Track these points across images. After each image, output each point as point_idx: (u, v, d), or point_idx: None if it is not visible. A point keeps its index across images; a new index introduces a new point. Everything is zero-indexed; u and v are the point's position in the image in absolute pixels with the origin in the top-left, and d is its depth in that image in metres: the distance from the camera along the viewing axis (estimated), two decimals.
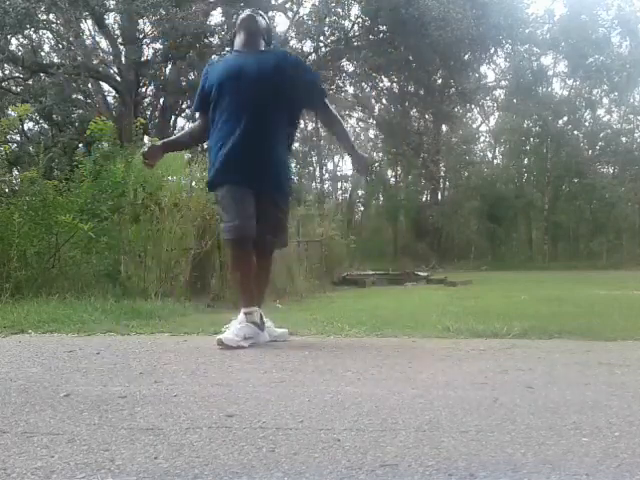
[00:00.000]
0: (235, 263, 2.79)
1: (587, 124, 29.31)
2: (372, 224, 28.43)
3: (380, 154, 29.58)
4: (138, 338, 2.99)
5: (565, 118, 27.94)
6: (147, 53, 15.15)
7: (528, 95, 23.75)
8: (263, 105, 2.70)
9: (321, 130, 30.57)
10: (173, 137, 3.21)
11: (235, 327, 2.65)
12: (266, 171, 2.72)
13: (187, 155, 7.32)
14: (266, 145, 2.72)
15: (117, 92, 15.62)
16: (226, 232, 2.70)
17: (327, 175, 32.00)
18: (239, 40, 2.89)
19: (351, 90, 19.17)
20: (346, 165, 30.49)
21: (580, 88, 27.92)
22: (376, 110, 21.44)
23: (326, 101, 2.92)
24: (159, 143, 3.04)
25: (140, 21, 14.24)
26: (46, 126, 17.91)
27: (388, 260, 21.32)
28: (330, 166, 32.22)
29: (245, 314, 2.68)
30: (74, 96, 15.99)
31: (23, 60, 15.10)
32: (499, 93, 28.35)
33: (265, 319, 2.82)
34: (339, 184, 32.01)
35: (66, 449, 1.24)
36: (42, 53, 18.24)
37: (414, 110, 20.67)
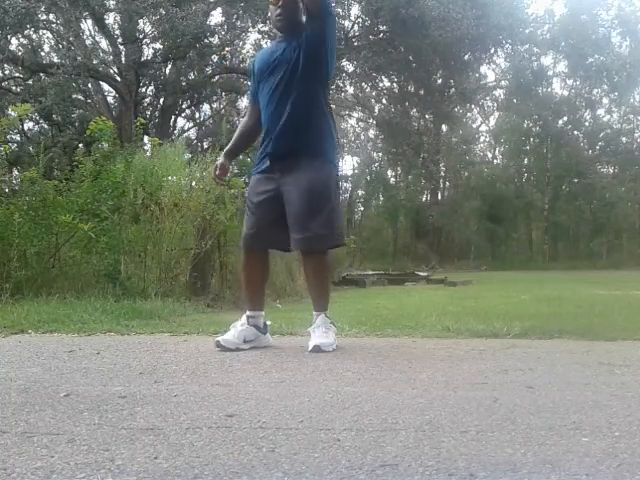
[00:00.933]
0: (242, 267, 2.81)
1: (587, 124, 29.35)
2: (372, 224, 28.45)
3: (380, 154, 29.62)
4: (138, 338, 2.99)
5: (565, 118, 27.98)
6: (147, 53, 15.16)
7: (528, 95, 23.76)
8: (291, 86, 2.57)
9: None
10: (230, 145, 2.92)
11: (236, 329, 2.62)
12: (296, 151, 2.57)
13: (187, 155, 7.33)
14: (298, 125, 2.57)
15: (117, 92, 15.61)
16: (242, 237, 2.74)
17: None
18: None
19: (351, 90, 19.14)
20: (346, 165, 30.50)
21: (580, 88, 27.96)
22: (376, 110, 21.42)
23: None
24: (222, 157, 2.86)
25: (140, 21, 14.23)
26: (46, 126, 17.90)
27: (388, 260, 21.35)
28: None
29: (248, 317, 2.66)
30: (74, 96, 15.97)
31: (23, 60, 15.08)
32: (499, 93, 28.41)
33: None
34: (339, 184, 31.96)
35: (66, 449, 1.24)
36: (42, 53, 18.25)
37: (414, 110, 20.65)
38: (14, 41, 16.37)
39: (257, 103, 2.75)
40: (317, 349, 2.48)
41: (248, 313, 2.68)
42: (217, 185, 4.84)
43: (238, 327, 2.63)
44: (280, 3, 2.59)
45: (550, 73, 26.80)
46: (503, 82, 25.96)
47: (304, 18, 2.63)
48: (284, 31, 2.67)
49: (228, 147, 2.92)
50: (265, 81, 2.65)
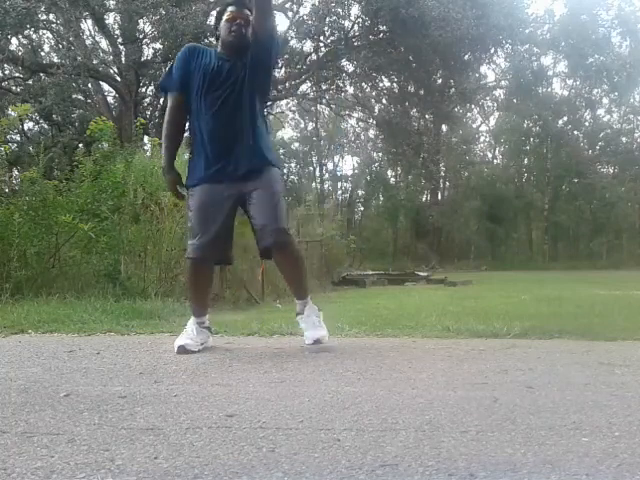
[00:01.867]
0: (189, 279, 2.71)
1: (587, 124, 29.36)
2: (372, 224, 28.48)
3: (380, 154, 29.62)
4: (138, 338, 2.99)
5: (565, 118, 27.99)
6: (147, 53, 15.15)
7: (528, 95, 23.72)
8: (242, 104, 2.61)
9: (321, 130, 30.61)
10: (169, 156, 2.77)
11: (192, 333, 2.58)
12: (258, 162, 2.61)
13: (187, 155, 7.33)
14: (256, 140, 2.62)
15: (117, 92, 15.61)
16: (188, 250, 2.62)
17: (327, 175, 32.03)
18: None
19: (351, 90, 19.12)
20: (346, 165, 30.55)
21: (580, 88, 27.97)
22: (376, 110, 21.38)
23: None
24: (169, 174, 2.75)
25: (140, 21, 14.22)
26: (46, 126, 17.89)
27: (388, 260, 21.37)
28: (330, 166, 32.27)
29: (197, 323, 2.62)
30: (74, 96, 15.97)
31: (23, 60, 15.08)
32: (499, 93, 28.39)
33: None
34: (339, 184, 32.05)
35: (66, 449, 1.24)
36: (42, 53, 18.25)
37: (414, 110, 20.63)
38: (14, 41, 16.36)
39: (184, 91, 2.65)
40: (318, 343, 2.54)
41: (196, 320, 2.63)
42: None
43: (194, 331, 2.58)
44: (237, 21, 2.61)
45: (550, 73, 26.82)
46: (503, 82, 25.94)
47: (250, 39, 2.64)
48: (232, 48, 2.64)
49: (167, 160, 2.76)
50: (211, 90, 2.60)
